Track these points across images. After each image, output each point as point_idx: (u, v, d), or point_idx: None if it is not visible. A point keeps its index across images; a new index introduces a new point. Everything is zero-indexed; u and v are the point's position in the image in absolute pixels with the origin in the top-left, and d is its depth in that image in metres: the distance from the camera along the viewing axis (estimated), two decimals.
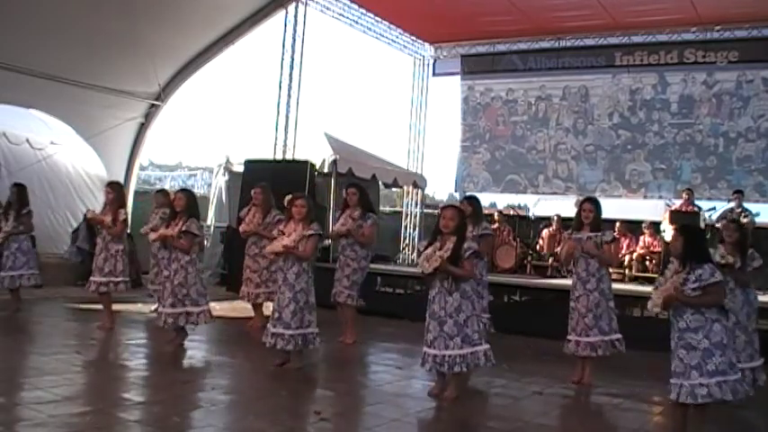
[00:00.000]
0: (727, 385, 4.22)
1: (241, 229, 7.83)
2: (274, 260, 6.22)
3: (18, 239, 7.83)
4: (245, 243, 7.90)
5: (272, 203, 7.55)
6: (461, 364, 5.01)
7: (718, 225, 9.13)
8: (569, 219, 11.41)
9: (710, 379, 4.21)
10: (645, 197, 13.26)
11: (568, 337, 5.98)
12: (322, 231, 5.85)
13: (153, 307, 8.04)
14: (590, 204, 5.93)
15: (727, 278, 5.02)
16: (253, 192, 7.82)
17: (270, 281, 7.54)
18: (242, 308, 8.39)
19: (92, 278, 7.20)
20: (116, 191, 7.39)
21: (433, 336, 5.07)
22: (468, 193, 11.43)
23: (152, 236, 6.78)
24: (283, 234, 5.79)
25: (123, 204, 7.36)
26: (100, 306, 7.33)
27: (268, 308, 7.79)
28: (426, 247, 5.16)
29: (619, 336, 5.89)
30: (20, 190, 7.94)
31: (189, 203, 6.51)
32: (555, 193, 14.04)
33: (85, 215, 7.83)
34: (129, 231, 12.18)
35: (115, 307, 7.46)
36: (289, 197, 5.96)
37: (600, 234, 5.85)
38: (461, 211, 5.33)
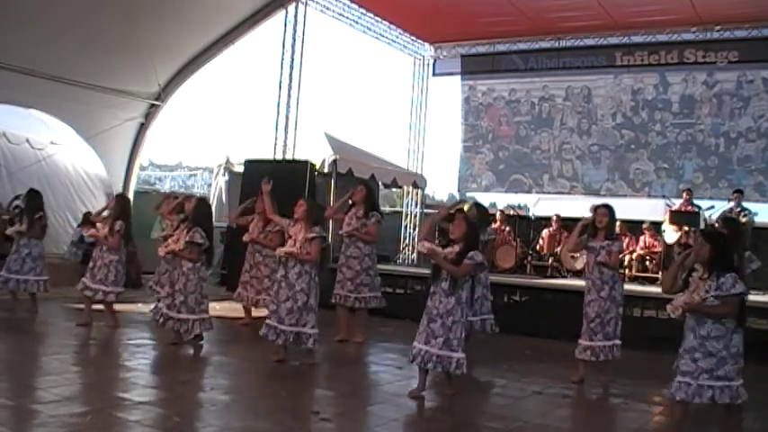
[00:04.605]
0: (729, 390, 4.30)
1: (244, 238, 8.03)
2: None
3: (29, 245, 7.81)
4: (246, 245, 8.06)
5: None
6: (436, 364, 5.07)
7: (717, 225, 9.14)
8: (569, 219, 11.45)
9: (717, 382, 4.29)
10: (648, 196, 13.29)
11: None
12: (324, 234, 5.89)
13: (151, 306, 8.05)
14: (604, 210, 6.01)
15: None
16: (256, 201, 7.88)
17: (271, 289, 7.60)
18: (242, 308, 8.37)
19: (84, 279, 7.28)
20: (118, 203, 7.55)
21: (420, 330, 5.18)
22: (469, 195, 11.45)
23: (161, 251, 6.83)
24: (290, 236, 5.93)
25: (121, 217, 7.37)
26: (100, 306, 7.34)
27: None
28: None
29: (619, 342, 5.93)
30: (31, 196, 8.00)
31: (198, 212, 6.58)
32: (560, 193, 14.06)
33: (85, 215, 7.89)
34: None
35: (115, 307, 7.47)
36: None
37: (610, 243, 5.92)
38: (471, 220, 5.40)
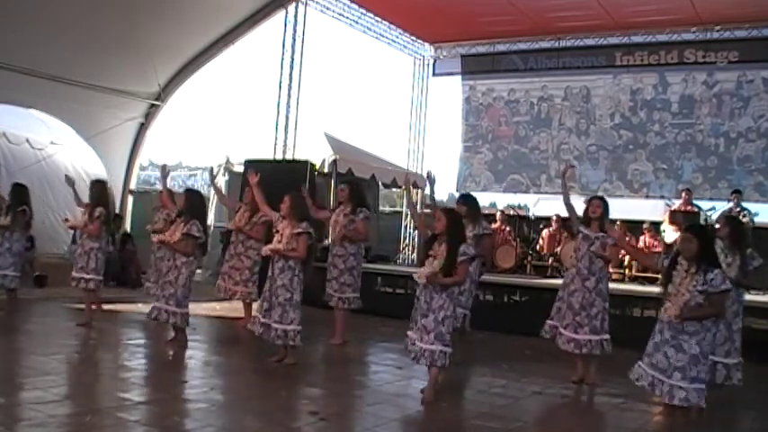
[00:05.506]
0: (704, 392, 4.31)
1: (230, 225, 7.93)
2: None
3: (11, 239, 7.72)
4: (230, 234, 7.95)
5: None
6: (427, 359, 5.04)
7: (717, 225, 9.14)
8: (569, 219, 11.43)
9: (691, 384, 4.30)
10: (647, 197, 13.26)
11: (549, 322, 6.11)
12: (311, 229, 5.85)
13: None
14: (598, 201, 6.07)
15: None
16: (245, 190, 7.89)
17: (249, 281, 7.59)
18: (242, 308, 8.38)
19: (72, 272, 7.29)
20: (95, 189, 7.40)
21: (415, 326, 5.19)
22: (462, 193, 11.38)
23: (154, 239, 6.82)
24: (277, 232, 5.90)
25: (101, 203, 7.29)
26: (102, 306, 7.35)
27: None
28: (424, 255, 5.22)
29: (608, 336, 5.93)
30: (16, 189, 7.89)
31: (191, 204, 6.53)
32: (558, 193, 14.01)
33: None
34: (128, 231, 12.26)
35: (115, 307, 7.47)
36: None
37: (605, 236, 5.93)
38: (452, 211, 5.33)
